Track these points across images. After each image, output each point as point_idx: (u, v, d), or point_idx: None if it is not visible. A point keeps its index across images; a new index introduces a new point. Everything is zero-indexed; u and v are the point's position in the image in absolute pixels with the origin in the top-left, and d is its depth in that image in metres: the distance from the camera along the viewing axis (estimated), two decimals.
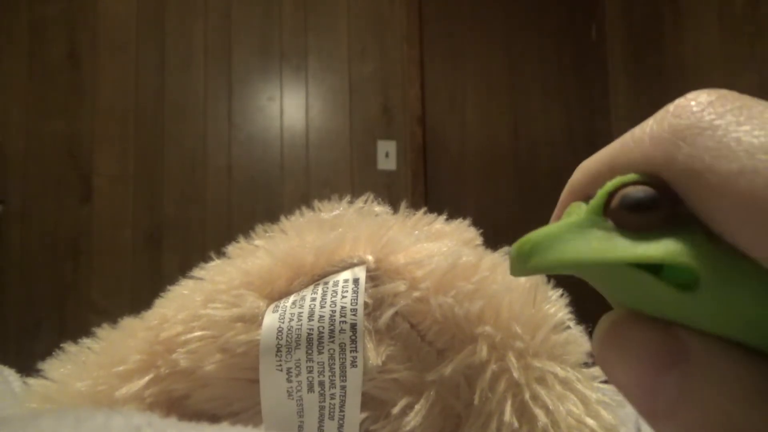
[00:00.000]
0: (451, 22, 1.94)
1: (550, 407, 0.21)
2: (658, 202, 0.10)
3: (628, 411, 0.33)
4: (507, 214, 1.87)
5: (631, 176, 0.11)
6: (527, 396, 0.21)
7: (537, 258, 0.11)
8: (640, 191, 0.10)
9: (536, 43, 2.02)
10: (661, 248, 0.10)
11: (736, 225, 0.09)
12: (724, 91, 0.10)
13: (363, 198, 0.28)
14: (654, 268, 0.10)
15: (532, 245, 0.11)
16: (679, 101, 0.11)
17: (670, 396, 0.10)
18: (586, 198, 0.12)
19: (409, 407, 0.21)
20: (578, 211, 0.11)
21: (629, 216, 0.10)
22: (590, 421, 0.22)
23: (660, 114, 0.11)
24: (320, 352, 0.21)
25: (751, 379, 0.09)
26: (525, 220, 1.86)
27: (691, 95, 0.11)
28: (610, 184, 0.11)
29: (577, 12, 2.08)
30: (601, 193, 0.11)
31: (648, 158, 0.11)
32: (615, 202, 0.10)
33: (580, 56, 2.07)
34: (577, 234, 0.11)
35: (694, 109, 0.10)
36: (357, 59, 1.79)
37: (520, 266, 0.11)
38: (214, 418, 0.23)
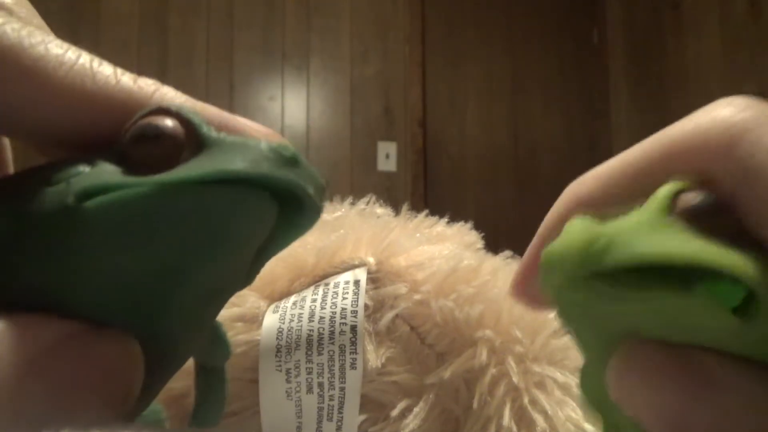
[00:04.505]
0: (453, 25, 1.94)
1: (549, 412, 0.21)
2: (721, 209, 0.10)
3: None
4: (506, 218, 1.87)
5: (685, 183, 0.11)
6: (526, 400, 0.21)
7: (617, 252, 0.09)
8: (706, 195, 0.10)
9: (538, 47, 2.03)
10: (745, 265, 0.09)
11: None
12: None
13: (365, 200, 0.28)
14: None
15: (608, 239, 0.10)
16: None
17: (701, 428, 0.09)
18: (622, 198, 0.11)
19: (408, 410, 0.21)
20: (638, 210, 0.11)
21: (696, 218, 0.10)
22: (589, 427, 0.22)
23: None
24: (320, 354, 0.21)
25: None
26: (525, 223, 1.86)
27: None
28: (673, 186, 0.11)
29: (578, 16, 2.08)
30: (665, 195, 0.10)
31: (708, 146, 0.11)
32: (683, 204, 0.10)
33: (581, 60, 2.07)
34: (652, 231, 0.10)
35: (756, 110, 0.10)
36: (359, 60, 1.79)
37: (593, 264, 0.10)
38: None
